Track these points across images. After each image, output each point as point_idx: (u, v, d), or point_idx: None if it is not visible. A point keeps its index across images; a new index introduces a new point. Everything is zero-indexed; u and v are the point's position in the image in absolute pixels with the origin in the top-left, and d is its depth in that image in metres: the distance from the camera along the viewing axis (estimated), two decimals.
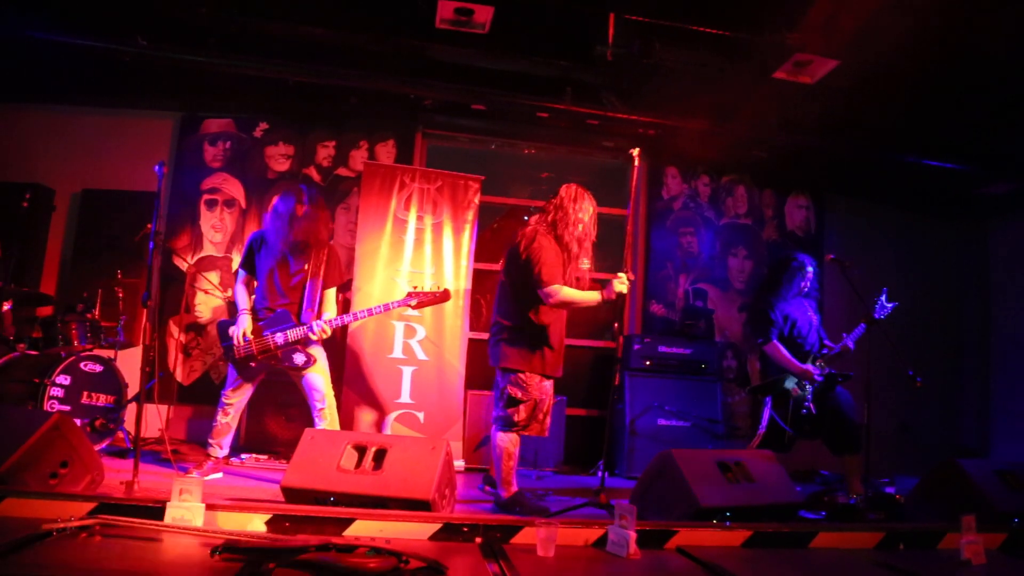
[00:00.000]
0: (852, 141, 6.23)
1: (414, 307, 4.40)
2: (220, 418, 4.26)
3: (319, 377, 4.23)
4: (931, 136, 6.06)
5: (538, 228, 3.99)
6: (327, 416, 4.23)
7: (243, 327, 4.16)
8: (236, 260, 6.05)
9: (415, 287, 4.44)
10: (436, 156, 6.59)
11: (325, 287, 4.36)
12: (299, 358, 4.17)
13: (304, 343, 4.19)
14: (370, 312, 4.40)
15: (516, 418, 3.88)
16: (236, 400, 4.28)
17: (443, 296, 4.41)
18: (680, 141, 6.37)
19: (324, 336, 4.21)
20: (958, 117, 5.68)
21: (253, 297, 4.36)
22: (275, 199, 4.38)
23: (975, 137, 6.00)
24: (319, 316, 4.26)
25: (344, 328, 5.42)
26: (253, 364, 4.19)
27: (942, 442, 6.96)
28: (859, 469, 4.45)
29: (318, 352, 4.26)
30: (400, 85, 5.65)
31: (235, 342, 4.16)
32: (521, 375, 3.89)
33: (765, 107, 5.76)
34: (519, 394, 3.87)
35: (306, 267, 4.25)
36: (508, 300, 4.02)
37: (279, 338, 4.14)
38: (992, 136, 5.93)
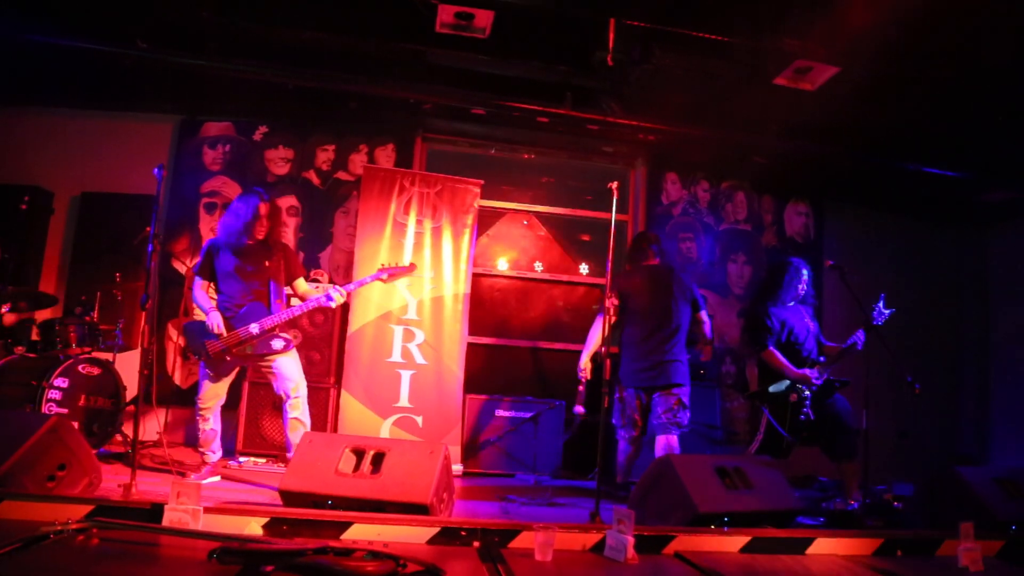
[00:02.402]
0: (852, 148, 6.24)
1: (384, 280, 4.49)
2: (202, 425, 4.25)
3: (290, 362, 4.25)
4: (931, 143, 6.07)
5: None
6: (299, 405, 4.23)
7: (216, 321, 4.16)
8: None
9: (383, 264, 4.56)
10: (436, 160, 6.60)
11: (291, 279, 4.42)
12: (278, 343, 4.19)
13: (280, 329, 4.21)
14: (349, 288, 4.40)
15: (687, 419, 4.67)
16: (212, 403, 4.26)
17: (409, 269, 4.57)
18: (680, 147, 6.38)
19: (341, 300, 4.25)
20: (958, 124, 5.69)
21: (215, 299, 4.35)
22: (233, 202, 4.40)
23: (974, 144, 6.01)
24: (288, 305, 4.31)
25: (343, 332, 5.43)
26: (228, 358, 4.18)
27: (941, 449, 6.96)
28: (857, 475, 4.44)
29: (290, 339, 4.32)
30: (400, 89, 5.66)
31: (211, 337, 4.14)
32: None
33: (765, 113, 5.77)
34: (687, 401, 4.69)
35: (267, 264, 4.29)
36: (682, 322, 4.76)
37: (254, 328, 4.13)
38: (991, 143, 5.95)
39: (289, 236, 6.13)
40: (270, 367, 4.24)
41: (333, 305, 4.26)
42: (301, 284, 4.46)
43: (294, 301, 4.37)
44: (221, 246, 4.31)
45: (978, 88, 5.15)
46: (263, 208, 4.21)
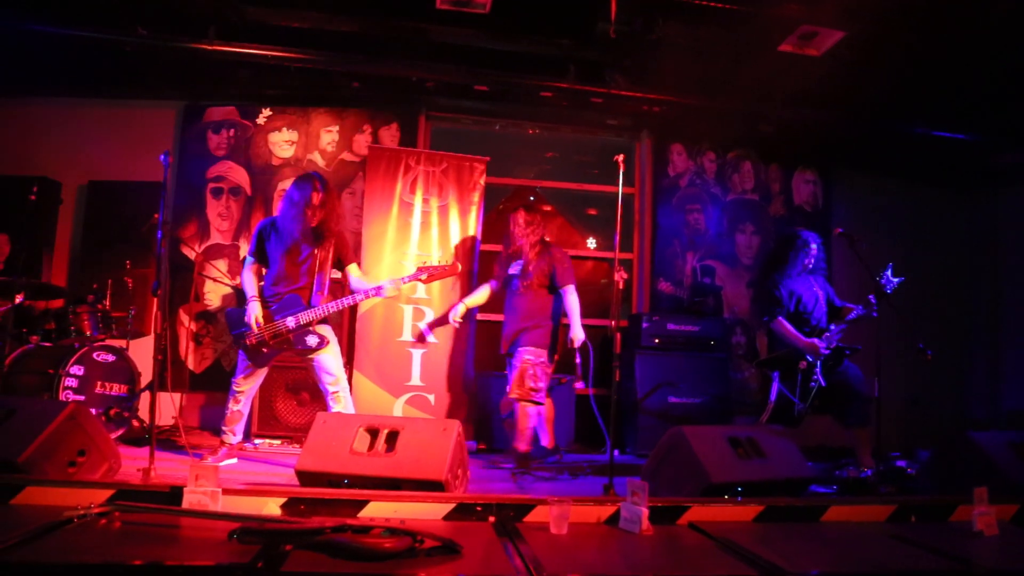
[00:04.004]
0: (859, 114, 6.17)
1: (424, 281, 4.41)
2: (232, 406, 4.29)
3: (331, 359, 4.25)
4: (940, 107, 6.00)
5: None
6: (341, 399, 4.25)
7: (254, 313, 4.18)
8: (244, 248, 6.07)
9: (424, 262, 4.50)
10: (440, 138, 6.57)
11: (345, 264, 4.40)
12: (312, 340, 4.17)
13: (317, 323, 4.21)
14: (379, 291, 4.33)
15: None
16: (247, 387, 4.31)
17: (452, 269, 4.43)
18: (685, 117, 6.33)
19: (394, 293, 4.26)
20: (968, 86, 5.61)
21: (261, 284, 4.37)
22: (289, 186, 4.36)
23: (986, 107, 5.93)
24: (338, 295, 4.27)
25: (353, 312, 5.45)
26: (265, 350, 4.21)
27: (953, 415, 6.96)
28: (869, 443, 4.45)
29: (329, 333, 4.27)
30: (402, 68, 5.62)
31: (248, 328, 4.17)
32: None
33: (771, 81, 5.71)
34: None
35: (316, 252, 4.26)
36: None
37: (290, 322, 4.15)
38: (1003, 105, 5.86)
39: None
40: (311, 361, 4.26)
41: (383, 296, 4.26)
42: (354, 270, 4.43)
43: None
44: (273, 229, 4.32)
45: (988, 48, 5.07)
46: (316, 198, 4.16)
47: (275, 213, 4.41)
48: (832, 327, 4.53)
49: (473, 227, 5.68)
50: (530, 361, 4.56)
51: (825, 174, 7.13)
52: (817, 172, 7.12)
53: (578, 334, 4.66)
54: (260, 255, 4.37)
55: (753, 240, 6.90)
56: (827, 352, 4.44)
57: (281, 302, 4.21)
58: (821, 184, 7.12)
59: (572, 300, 4.73)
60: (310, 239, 4.26)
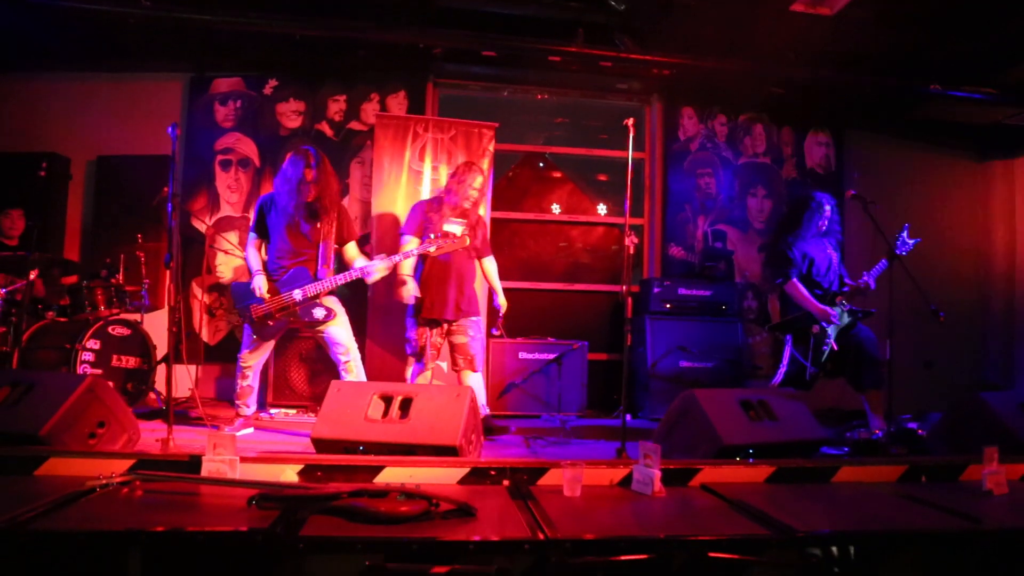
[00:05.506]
0: (873, 74, 6.06)
1: (432, 253, 4.40)
2: (240, 381, 4.32)
3: (340, 330, 4.27)
4: (956, 66, 5.88)
5: None
6: (352, 368, 4.28)
7: (259, 286, 4.19)
8: None
9: (432, 235, 4.47)
10: (448, 105, 6.52)
11: (343, 243, 4.39)
12: (319, 312, 4.19)
13: (324, 295, 4.22)
14: (404, 255, 4.40)
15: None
16: (254, 362, 4.32)
17: (460, 240, 4.41)
18: (695, 80, 6.25)
19: (380, 276, 4.27)
20: (984, 45, 5.49)
21: (265, 259, 4.38)
22: (284, 162, 4.35)
23: (1004, 66, 5.80)
24: (336, 271, 4.28)
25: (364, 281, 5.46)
26: (271, 323, 4.22)
27: (966, 378, 6.93)
28: (882, 405, 4.46)
29: (336, 305, 4.29)
30: (409, 35, 5.56)
31: (254, 301, 4.18)
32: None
33: (783, 42, 5.61)
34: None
35: (318, 226, 4.25)
36: None
37: (297, 295, 4.16)
38: (1020, 63, 5.74)
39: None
40: (321, 333, 4.28)
41: (369, 281, 4.27)
42: (350, 249, 4.41)
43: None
44: (272, 205, 4.31)
45: (1006, 4, 4.95)
46: (308, 174, 4.13)
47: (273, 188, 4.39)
48: (845, 290, 4.52)
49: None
50: (474, 333, 4.67)
51: (838, 136, 7.03)
52: (830, 134, 7.02)
53: (503, 300, 4.86)
54: (261, 230, 4.37)
55: (765, 204, 6.84)
56: (837, 323, 4.43)
57: (287, 275, 4.22)
58: (834, 146, 7.03)
59: (495, 268, 4.90)
60: (307, 215, 4.25)
